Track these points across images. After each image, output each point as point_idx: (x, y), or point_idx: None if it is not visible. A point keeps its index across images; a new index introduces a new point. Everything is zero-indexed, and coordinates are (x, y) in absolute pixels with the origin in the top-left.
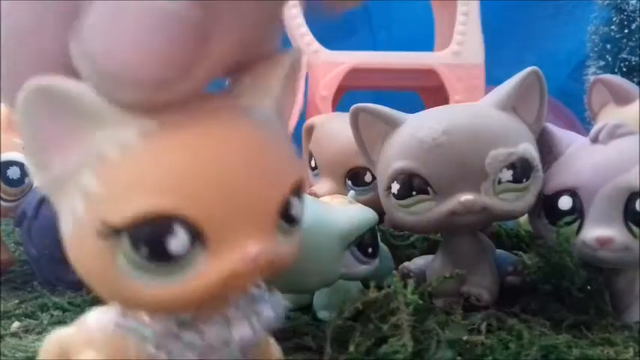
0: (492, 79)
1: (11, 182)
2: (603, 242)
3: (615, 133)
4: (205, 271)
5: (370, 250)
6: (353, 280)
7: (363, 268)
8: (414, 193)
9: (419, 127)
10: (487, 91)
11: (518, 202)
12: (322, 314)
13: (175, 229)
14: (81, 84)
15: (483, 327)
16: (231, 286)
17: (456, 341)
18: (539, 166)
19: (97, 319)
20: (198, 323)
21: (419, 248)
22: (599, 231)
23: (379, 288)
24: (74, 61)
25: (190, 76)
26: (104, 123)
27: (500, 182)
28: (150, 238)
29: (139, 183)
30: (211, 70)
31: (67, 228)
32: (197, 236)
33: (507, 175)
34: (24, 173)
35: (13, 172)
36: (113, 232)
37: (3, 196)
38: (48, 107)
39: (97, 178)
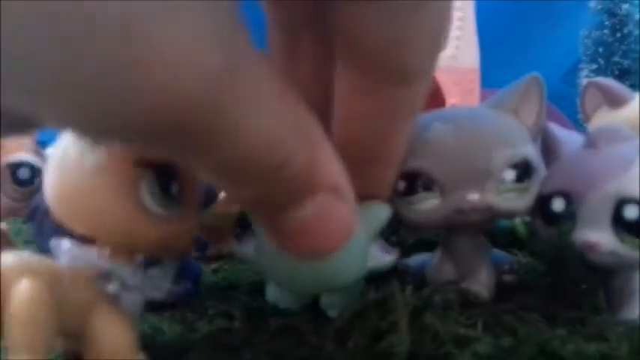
0: (486, 83)
1: (21, 182)
2: (589, 246)
3: (611, 137)
4: None
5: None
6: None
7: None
8: (419, 190)
9: (425, 128)
10: (482, 93)
11: (520, 201)
12: (332, 312)
13: None
14: None
15: (480, 323)
16: None
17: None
18: (540, 167)
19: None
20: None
21: (418, 245)
22: (587, 235)
23: (377, 288)
24: None
25: None
26: None
27: (503, 182)
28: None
29: None
30: None
31: None
32: None
33: (511, 174)
34: (34, 174)
35: (23, 173)
36: None
37: (14, 195)
38: None
39: None
